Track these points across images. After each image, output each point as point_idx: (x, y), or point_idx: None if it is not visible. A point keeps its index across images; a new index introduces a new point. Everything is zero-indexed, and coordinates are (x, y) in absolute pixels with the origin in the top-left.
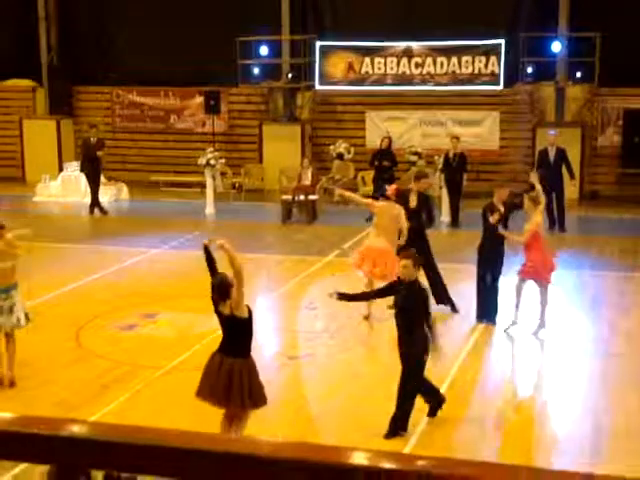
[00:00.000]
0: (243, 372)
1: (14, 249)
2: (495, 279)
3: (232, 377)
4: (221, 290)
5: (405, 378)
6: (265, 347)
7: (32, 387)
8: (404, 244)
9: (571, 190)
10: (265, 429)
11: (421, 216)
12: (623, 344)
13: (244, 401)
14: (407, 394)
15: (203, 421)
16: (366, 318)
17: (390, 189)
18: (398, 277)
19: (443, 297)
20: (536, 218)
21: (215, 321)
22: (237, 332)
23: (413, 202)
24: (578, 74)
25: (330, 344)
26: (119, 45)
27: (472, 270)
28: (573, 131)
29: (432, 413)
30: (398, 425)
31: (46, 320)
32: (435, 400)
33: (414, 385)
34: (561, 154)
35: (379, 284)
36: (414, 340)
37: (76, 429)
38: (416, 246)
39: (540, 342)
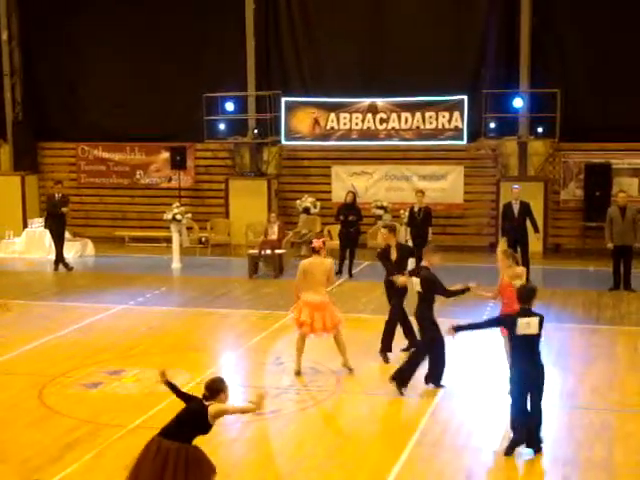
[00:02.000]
0: (179, 460)
1: None
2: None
3: (167, 464)
4: (212, 388)
5: None
6: (231, 403)
7: None
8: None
9: (535, 243)
10: None
11: (403, 269)
12: (589, 397)
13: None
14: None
15: None
16: (346, 366)
17: (316, 242)
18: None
19: (387, 346)
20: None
21: (180, 378)
22: (192, 424)
23: (394, 255)
24: (540, 129)
25: (297, 400)
26: (84, 101)
27: (439, 322)
28: (536, 185)
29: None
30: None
31: (9, 378)
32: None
33: None
34: (525, 208)
35: (314, 337)
36: None
37: None
38: (393, 297)
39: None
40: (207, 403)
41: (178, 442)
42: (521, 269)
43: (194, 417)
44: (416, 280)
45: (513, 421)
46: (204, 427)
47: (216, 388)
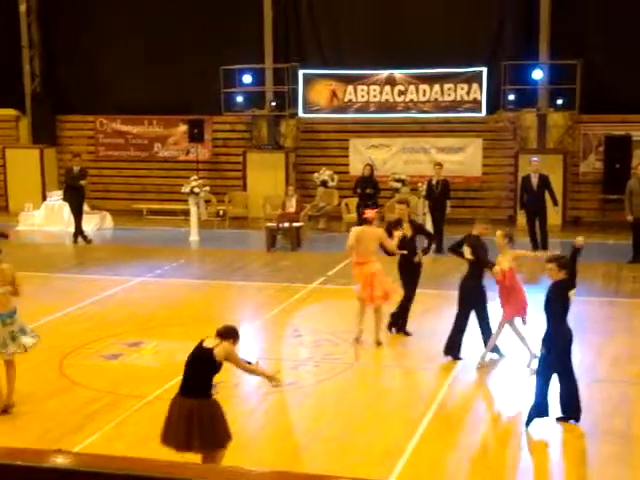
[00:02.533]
0: (208, 413)
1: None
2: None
3: (192, 420)
4: (223, 333)
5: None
6: (249, 376)
7: (15, 417)
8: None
9: (554, 216)
10: (250, 458)
11: (415, 245)
12: (608, 370)
13: (206, 443)
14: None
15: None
16: (357, 340)
17: (370, 213)
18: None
19: (400, 325)
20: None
21: None
22: (203, 370)
23: (408, 231)
24: (559, 101)
25: (314, 372)
26: (103, 74)
27: (456, 296)
28: (555, 158)
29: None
30: None
31: None
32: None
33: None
34: (544, 180)
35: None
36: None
37: (60, 460)
38: (407, 273)
39: (529, 370)
40: (212, 345)
41: (199, 398)
42: (521, 251)
43: (201, 363)
44: (467, 249)
45: (570, 395)
46: (214, 368)
47: (227, 333)
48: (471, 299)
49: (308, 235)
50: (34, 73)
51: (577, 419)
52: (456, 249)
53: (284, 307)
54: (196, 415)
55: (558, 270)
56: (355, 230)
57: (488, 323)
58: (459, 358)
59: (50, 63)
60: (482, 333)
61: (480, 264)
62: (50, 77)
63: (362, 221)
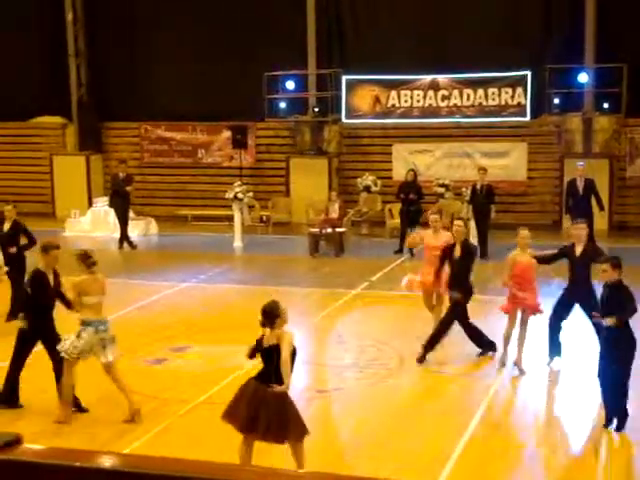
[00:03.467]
0: (280, 403)
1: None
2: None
3: (267, 408)
4: (268, 313)
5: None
6: (294, 381)
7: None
8: None
9: (600, 221)
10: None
11: (464, 264)
12: None
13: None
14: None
15: (234, 454)
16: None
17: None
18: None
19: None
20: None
21: (243, 355)
22: (274, 362)
23: (457, 252)
24: (605, 105)
25: (359, 377)
26: (147, 81)
27: (501, 302)
28: (601, 162)
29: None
30: None
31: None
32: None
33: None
34: (590, 185)
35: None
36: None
37: (107, 461)
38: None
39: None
40: (266, 333)
41: (276, 384)
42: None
43: (271, 357)
44: None
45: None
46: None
47: (272, 313)
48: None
49: (351, 240)
50: (80, 81)
51: (620, 427)
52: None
53: (328, 312)
54: (271, 406)
55: (612, 270)
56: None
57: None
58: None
59: (96, 71)
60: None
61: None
62: (96, 85)
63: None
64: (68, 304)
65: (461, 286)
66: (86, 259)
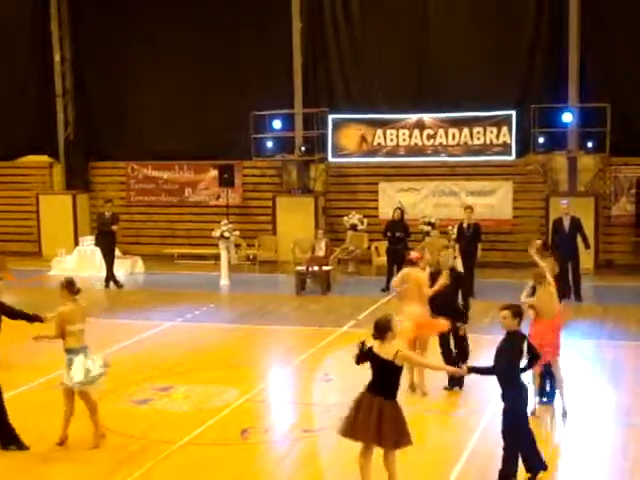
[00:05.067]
0: (393, 412)
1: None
2: None
3: (383, 417)
4: (380, 327)
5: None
6: (280, 420)
7: (47, 462)
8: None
9: (586, 259)
10: None
11: (453, 294)
12: None
13: (400, 438)
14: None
15: None
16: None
17: (414, 255)
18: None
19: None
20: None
21: (229, 395)
22: (386, 375)
23: (443, 279)
24: (590, 144)
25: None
26: (135, 121)
27: (487, 340)
28: (586, 201)
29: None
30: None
31: (59, 396)
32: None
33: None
34: (576, 223)
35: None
36: (514, 393)
37: None
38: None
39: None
40: (376, 344)
41: (388, 399)
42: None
43: (386, 371)
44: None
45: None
46: (397, 371)
47: (384, 327)
48: None
49: (338, 279)
50: (67, 121)
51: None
52: None
53: (314, 351)
54: (386, 413)
55: (512, 318)
56: (403, 271)
57: None
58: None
59: (83, 111)
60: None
61: None
62: (83, 124)
63: (407, 262)
64: (33, 318)
65: (454, 311)
66: (71, 286)
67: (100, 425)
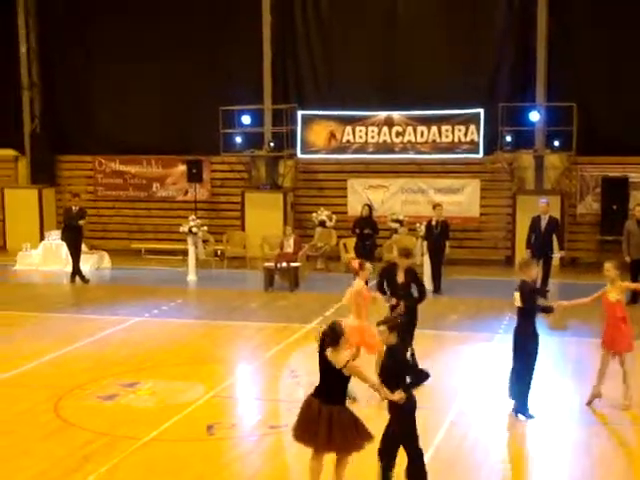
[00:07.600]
0: (342, 417)
1: None
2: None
3: (332, 423)
4: (335, 333)
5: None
6: (246, 416)
7: (11, 458)
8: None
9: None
10: None
11: (410, 291)
12: (608, 412)
13: (350, 443)
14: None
15: None
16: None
17: (354, 265)
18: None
19: None
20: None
21: (195, 391)
22: (335, 381)
23: (401, 278)
24: (556, 143)
25: None
26: (101, 114)
27: (454, 337)
28: (552, 199)
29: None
30: None
31: (25, 390)
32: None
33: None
34: (553, 223)
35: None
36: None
37: None
38: (406, 320)
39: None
40: (329, 352)
41: (334, 404)
42: (632, 284)
43: (333, 376)
44: (516, 294)
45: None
46: (344, 378)
47: (339, 332)
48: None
49: (306, 275)
50: (33, 114)
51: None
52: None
53: (282, 347)
54: (335, 420)
55: (389, 333)
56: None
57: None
58: (530, 416)
59: (49, 104)
60: (514, 382)
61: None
62: (49, 118)
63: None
64: None
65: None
66: None
67: None
